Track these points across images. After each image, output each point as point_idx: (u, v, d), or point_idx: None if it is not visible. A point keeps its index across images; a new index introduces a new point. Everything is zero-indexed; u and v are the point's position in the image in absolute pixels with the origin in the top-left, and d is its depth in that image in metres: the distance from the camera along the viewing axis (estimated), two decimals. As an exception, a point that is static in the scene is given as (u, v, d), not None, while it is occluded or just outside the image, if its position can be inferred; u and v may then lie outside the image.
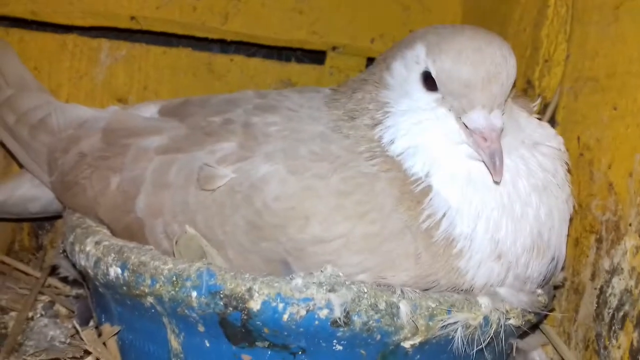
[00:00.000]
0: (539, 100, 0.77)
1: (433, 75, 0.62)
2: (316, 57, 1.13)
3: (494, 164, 0.58)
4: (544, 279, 0.66)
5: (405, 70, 0.65)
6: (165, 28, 1.04)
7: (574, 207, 0.68)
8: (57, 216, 0.99)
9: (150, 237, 0.68)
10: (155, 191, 0.69)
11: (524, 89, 0.91)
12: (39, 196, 0.87)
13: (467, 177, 0.62)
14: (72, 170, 0.76)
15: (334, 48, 1.10)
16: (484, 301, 0.60)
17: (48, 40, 1.02)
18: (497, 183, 0.61)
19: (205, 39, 1.08)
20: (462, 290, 0.62)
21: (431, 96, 0.63)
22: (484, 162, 0.60)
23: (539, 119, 0.71)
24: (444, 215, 0.61)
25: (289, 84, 1.10)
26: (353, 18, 1.09)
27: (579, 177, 0.77)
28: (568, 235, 0.69)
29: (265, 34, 1.07)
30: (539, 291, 0.66)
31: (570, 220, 0.68)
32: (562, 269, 0.71)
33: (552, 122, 0.84)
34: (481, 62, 0.59)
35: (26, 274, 0.91)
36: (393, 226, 0.61)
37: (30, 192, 0.88)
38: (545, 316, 0.72)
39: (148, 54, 1.04)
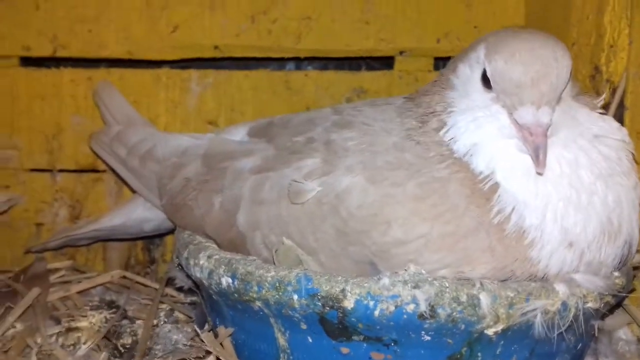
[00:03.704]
0: (604, 95, 0.79)
1: (488, 75, 0.66)
2: (385, 62, 1.18)
3: (537, 156, 0.62)
4: (619, 262, 0.69)
5: (469, 71, 0.70)
6: (245, 53, 1.12)
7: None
8: (166, 233, 1.11)
9: (251, 248, 0.77)
10: (253, 207, 0.77)
11: (591, 75, 0.93)
12: (152, 217, 0.99)
13: (527, 171, 0.65)
14: (179, 194, 0.86)
15: (401, 52, 1.14)
16: (560, 288, 0.64)
17: (144, 75, 1.13)
18: (539, 174, 0.64)
19: (282, 58, 1.16)
20: (537, 279, 0.66)
21: (487, 95, 0.67)
22: (529, 155, 0.64)
23: (603, 113, 0.72)
24: (512, 210, 0.65)
25: (361, 92, 1.15)
26: (417, 21, 1.13)
27: (651, 159, 0.79)
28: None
29: (335, 47, 1.13)
30: (616, 274, 0.69)
31: (641, 207, 0.70)
32: (638, 251, 0.73)
33: (622, 106, 0.85)
34: (532, 62, 0.63)
35: (145, 285, 1.03)
36: (467, 224, 0.66)
37: (144, 214, 0.99)
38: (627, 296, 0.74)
39: (232, 79, 1.13)
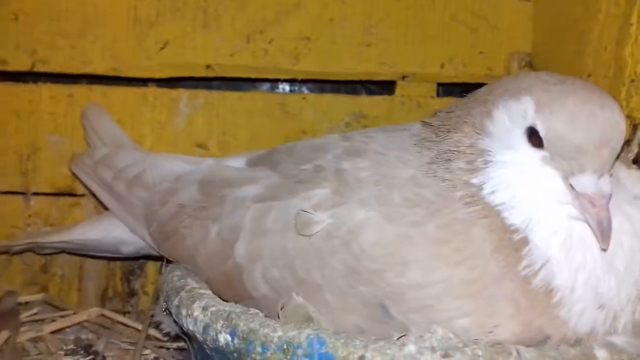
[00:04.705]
0: (636, 150, 0.75)
1: (541, 135, 0.61)
2: (386, 87, 1.13)
3: (602, 232, 0.58)
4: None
5: (508, 121, 0.64)
6: (239, 73, 1.06)
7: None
8: (145, 258, 1.03)
9: (248, 282, 0.71)
10: (254, 237, 0.72)
11: (609, 110, 0.89)
12: (132, 241, 0.91)
13: (568, 236, 0.61)
14: (171, 221, 0.80)
15: (403, 77, 1.09)
16: (601, 354, 0.59)
17: (129, 94, 1.06)
18: (604, 250, 0.60)
19: (278, 80, 1.10)
20: (570, 340, 0.61)
21: (537, 153, 0.62)
22: (590, 226, 0.59)
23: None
24: (541, 267, 0.61)
25: (361, 117, 1.10)
26: (421, 45, 1.08)
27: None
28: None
29: (335, 69, 1.08)
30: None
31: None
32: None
33: (645, 145, 0.81)
34: (594, 127, 0.59)
35: (126, 325, 0.94)
36: (492, 272, 0.61)
37: (124, 235, 0.92)
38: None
39: (225, 100, 1.07)
